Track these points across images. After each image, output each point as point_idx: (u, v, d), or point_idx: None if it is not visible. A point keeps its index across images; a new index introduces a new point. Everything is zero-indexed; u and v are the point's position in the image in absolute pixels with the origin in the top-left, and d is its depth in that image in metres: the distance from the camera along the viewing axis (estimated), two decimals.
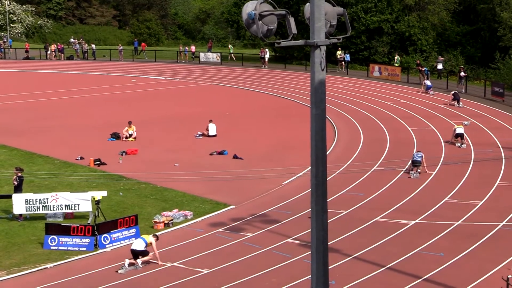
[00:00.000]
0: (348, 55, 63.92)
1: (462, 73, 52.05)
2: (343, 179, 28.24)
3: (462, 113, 42.07)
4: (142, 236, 20.74)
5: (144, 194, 27.06)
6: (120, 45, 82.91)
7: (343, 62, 63.67)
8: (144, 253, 19.93)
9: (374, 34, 65.82)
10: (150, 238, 20.25)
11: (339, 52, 63.89)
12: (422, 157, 28.77)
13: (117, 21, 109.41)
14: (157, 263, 19.92)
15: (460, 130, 33.82)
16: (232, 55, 77.89)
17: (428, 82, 51.46)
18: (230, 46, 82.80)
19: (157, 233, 21.39)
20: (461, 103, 44.57)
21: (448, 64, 60.35)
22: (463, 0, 65.66)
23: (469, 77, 55.03)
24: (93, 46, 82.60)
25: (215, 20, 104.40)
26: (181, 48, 79.60)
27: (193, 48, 79.64)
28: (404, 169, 29.24)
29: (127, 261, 19.59)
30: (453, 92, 46.14)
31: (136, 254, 19.87)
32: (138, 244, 20.02)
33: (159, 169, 30.41)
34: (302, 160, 30.28)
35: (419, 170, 28.45)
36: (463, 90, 49.10)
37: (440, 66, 58.85)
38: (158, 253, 20.06)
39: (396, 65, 60.86)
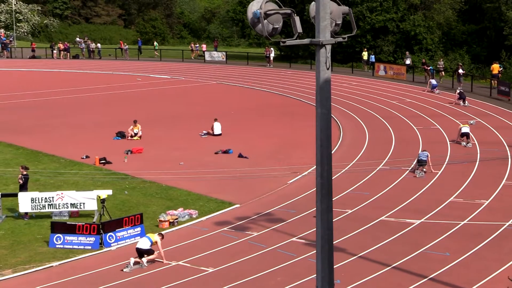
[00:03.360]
0: (373, 56, 63.55)
1: (461, 70, 51.92)
2: (348, 178, 28.20)
3: (467, 112, 41.97)
4: (147, 235, 20.75)
5: (149, 193, 27.08)
6: (125, 44, 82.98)
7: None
8: (149, 252, 19.94)
9: (380, 33, 65.75)
10: (155, 237, 20.26)
11: (364, 53, 63.69)
12: (427, 156, 28.70)
13: (122, 20, 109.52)
14: (162, 262, 19.93)
15: (465, 129, 33.70)
16: (155, 52, 79.65)
17: (433, 81, 51.36)
18: (155, 43, 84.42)
19: (162, 232, 21.41)
20: (467, 102, 44.45)
21: (454, 63, 60.27)
22: None
23: (475, 76, 54.92)
24: (99, 45, 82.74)
25: (220, 19, 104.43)
26: (192, 46, 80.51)
27: (204, 46, 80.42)
28: (410, 168, 29.18)
29: (132, 260, 19.61)
30: (458, 91, 46.01)
31: (141, 253, 19.89)
32: (143, 243, 20.03)
33: (164, 168, 30.43)
34: (307, 159, 30.26)
35: (424, 169, 28.40)
36: (459, 88, 48.39)
37: (408, 61, 60.58)
38: (163, 252, 20.08)
39: (365, 58, 62.51)
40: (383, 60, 63.22)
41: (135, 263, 19.64)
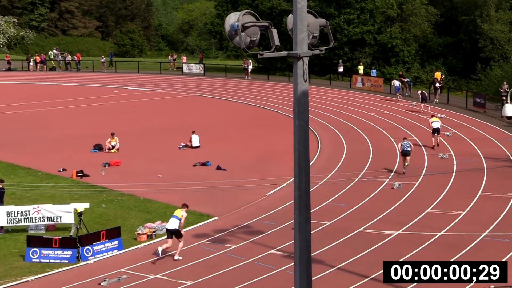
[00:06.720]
0: (374, 70, 63.26)
1: (438, 84, 52.48)
2: (326, 190, 28.26)
3: (444, 124, 42.24)
4: (174, 214, 21.42)
5: (127, 206, 26.92)
6: (103, 56, 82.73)
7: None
8: (178, 233, 20.88)
9: (357, 46, 66.16)
10: (181, 213, 21.22)
11: (360, 67, 63.62)
12: (410, 145, 29.98)
13: (100, 32, 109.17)
14: (145, 276, 19.81)
15: (436, 124, 34.69)
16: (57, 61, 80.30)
17: (396, 83, 52.22)
18: (50, 52, 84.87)
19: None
20: (428, 106, 45.47)
21: (430, 75, 60.83)
22: (445, 12, 66.34)
23: (451, 88, 55.45)
24: (75, 57, 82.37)
25: (198, 31, 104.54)
26: (170, 57, 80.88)
27: (184, 58, 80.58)
28: (387, 179, 29.32)
29: (159, 249, 20.82)
30: (419, 91, 47.05)
31: (171, 233, 20.98)
32: (172, 223, 21.00)
33: (142, 180, 30.29)
34: (285, 171, 30.27)
35: (406, 163, 29.68)
36: (436, 100, 49.90)
37: (341, 69, 63.64)
38: (182, 224, 21.25)
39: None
40: (358, 72, 63.48)
41: (163, 251, 20.72)
